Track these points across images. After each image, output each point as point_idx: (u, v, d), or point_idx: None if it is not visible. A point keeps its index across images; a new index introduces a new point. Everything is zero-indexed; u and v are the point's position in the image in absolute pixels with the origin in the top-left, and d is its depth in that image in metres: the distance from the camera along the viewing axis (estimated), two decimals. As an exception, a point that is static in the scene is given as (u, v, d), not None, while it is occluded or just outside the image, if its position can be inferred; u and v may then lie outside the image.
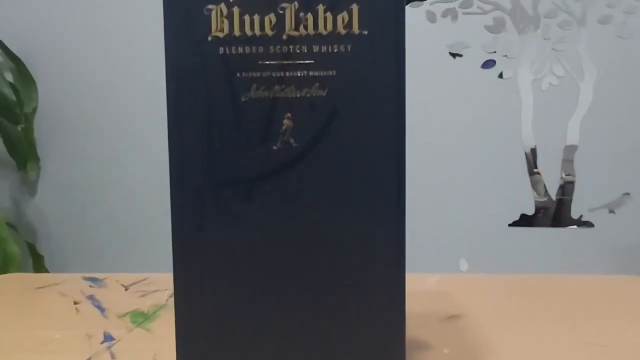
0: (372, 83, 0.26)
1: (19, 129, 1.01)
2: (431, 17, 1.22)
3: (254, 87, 0.26)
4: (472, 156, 1.19)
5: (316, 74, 0.26)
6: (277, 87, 0.26)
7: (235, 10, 0.26)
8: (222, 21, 0.26)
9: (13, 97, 0.94)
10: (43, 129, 1.19)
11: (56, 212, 1.21)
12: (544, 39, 1.23)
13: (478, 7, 1.23)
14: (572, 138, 1.21)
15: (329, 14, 0.26)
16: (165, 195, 0.28)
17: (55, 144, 1.20)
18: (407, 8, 1.02)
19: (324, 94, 0.26)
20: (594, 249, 1.20)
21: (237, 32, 0.26)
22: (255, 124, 0.27)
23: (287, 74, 0.26)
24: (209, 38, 0.26)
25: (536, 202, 1.25)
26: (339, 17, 0.26)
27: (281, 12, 0.26)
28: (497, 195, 1.19)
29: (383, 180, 0.27)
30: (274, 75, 0.26)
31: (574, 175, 1.21)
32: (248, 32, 0.26)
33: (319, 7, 0.26)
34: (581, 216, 1.25)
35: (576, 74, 1.23)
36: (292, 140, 0.27)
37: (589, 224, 1.23)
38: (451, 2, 1.23)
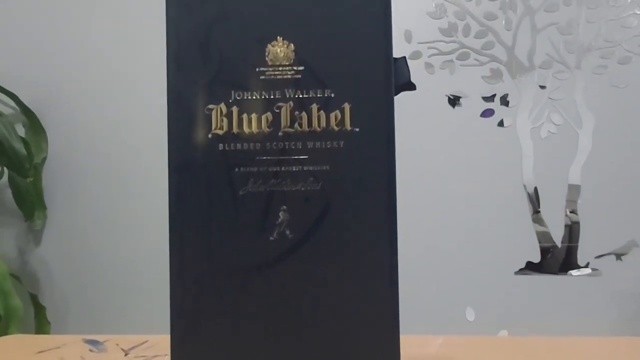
0: (365, 177, 0.27)
1: (28, 181, 1.03)
2: (430, 69, 1.26)
3: (251, 181, 0.28)
4: (475, 205, 1.19)
5: (311, 168, 0.27)
6: (273, 181, 0.27)
7: (234, 110, 0.28)
8: (222, 119, 0.28)
9: (24, 152, 0.97)
10: (50, 178, 1.22)
11: (60, 262, 1.22)
12: (541, 89, 1.26)
13: (475, 59, 1.27)
14: (574, 180, 1.22)
15: (322, 112, 0.27)
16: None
17: (62, 192, 1.22)
18: (407, 61, 1.04)
19: (318, 188, 0.27)
20: (601, 297, 1.18)
21: (235, 130, 0.28)
22: (253, 216, 0.28)
23: (282, 168, 0.27)
24: (209, 135, 0.28)
25: (541, 247, 1.24)
26: (332, 115, 0.27)
27: (277, 111, 0.28)
28: (501, 243, 1.18)
29: (376, 268, 0.28)
30: (270, 170, 0.27)
31: (577, 215, 1.20)
32: (246, 129, 0.28)
33: (312, 106, 0.27)
34: (588, 263, 1.24)
35: (574, 122, 1.25)
36: (287, 232, 0.27)
37: (596, 271, 1.22)
38: (449, 54, 1.28)
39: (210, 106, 0.28)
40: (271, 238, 0.28)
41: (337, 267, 0.28)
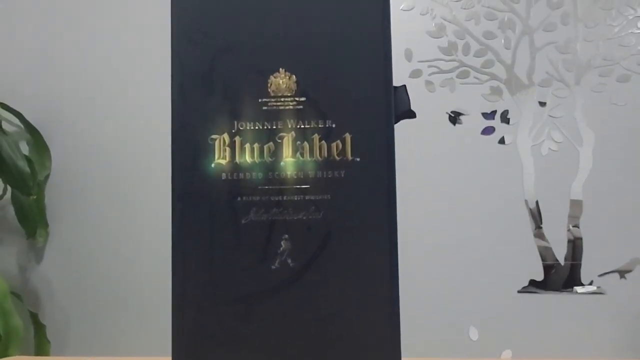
0: (365, 206, 0.28)
1: (31, 199, 1.04)
2: (430, 87, 1.27)
3: (253, 210, 0.28)
4: (477, 224, 1.19)
5: (312, 197, 0.28)
6: (275, 210, 0.28)
7: (237, 140, 0.28)
8: (225, 149, 0.28)
9: (28, 170, 0.98)
10: (53, 195, 1.22)
11: (61, 280, 1.21)
12: (541, 106, 1.27)
13: (475, 77, 1.28)
14: (576, 197, 1.22)
15: (323, 143, 0.28)
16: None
17: (64, 210, 1.23)
18: (408, 79, 1.07)
19: (320, 217, 0.28)
20: (606, 315, 1.17)
21: (238, 160, 0.28)
22: (255, 245, 0.28)
23: (284, 197, 0.28)
24: (212, 165, 0.28)
25: (544, 264, 1.23)
26: (333, 145, 0.28)
27: (279, 141, 0.28)
28: (504, 261, 1.18)
29: (377, 295, 0.28)
30: (272, 199, 0.28)
31: (579, 228, 1.20)
32: (248, 159, 0.28)
33: (314, 136, 0.28)
34: (592, 281, 1.23)
35: (574, 139, 1.25)
36: (289, 261, 0.28)
37: (599, 289, 1.21)
38: (449, 72, 1.29)
39: (214, 136, 0.28)
40: (273, 267, 0.28)
41: (339, 295, 0.28)
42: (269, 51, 0.28)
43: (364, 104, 0.28)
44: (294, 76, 0.28)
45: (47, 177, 1.23)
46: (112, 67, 1.24)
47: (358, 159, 0.28)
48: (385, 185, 0.28)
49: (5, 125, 1.21)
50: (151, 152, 1.19)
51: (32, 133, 1.20)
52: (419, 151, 1.20)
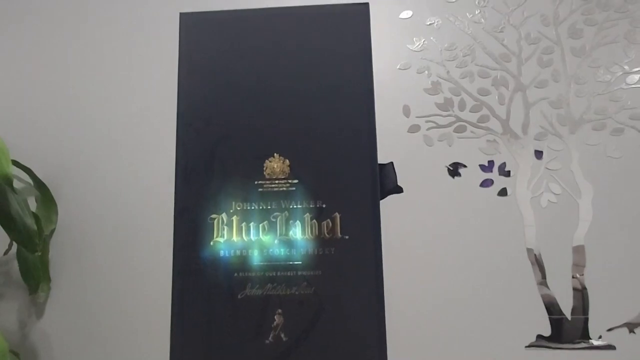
0: (354, 281, 0.29)
1: (36, 255, 1.05)
2: (428, 142, 1.31)
3: (249, 286, 0.29)
4: (480, 278, 1.18)
5: (304, 273, 0.29)
6: (269, 285, 0.29)
7: (235, 219, 0.30)
8: (223, 228, 0.30)
9: (35, 227, 1.00)
10: (56, 249, 1.23)
11: (62, 337, 1.20)
12: (537, 160, 1.29)
13: (471, 132, 1.32)
14: (579, 246, 1.22)
15: (314, 222, 0.30)
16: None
17: (68, 265, 1.23)
18: (407, 134, 1.10)
19: (311, 292, 0.29)
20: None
21: (235, 238, 0.30)
22: (250, 319, 0.29)
23: (278, 273, 0.29)
24: (211, 242, 0.30)
25: (550, 318, 1.21)
26: (324, 224, 0.30)
27: (274, 220, 0.30)
28: (510, 317, 1.16)
29: (369, 369, 0.29)
30: (267, 275, 0.29)
31: (584, 276, 1.18)
32: (245, 237, 0.30)
33: (306, 215, 0.30)
34: (600, 336, 1.20)
35: (573, 191, 1.27)
36: (282, 335, 0.29)
37: (609, 345, 1.18)
38: (446, 127, 1.33)
39: (213, 216, 0.30)
40: (267, 341, 0.29)
41: (330, 371, 0.29)
42: (264, 138, 0.31)
43: (351, 186, 0.30)
44: (287, 160, 0.30)
45: (53, 231, 1.24)
46: (119, 140, 1.29)
47: (347, 237, 0.29)
48: (372, 261, 0.29)
49: (15, 182, 1.24)
50: (157, 213, 1.21)
51: (41, 189, 1.23)
52: (418, 203, 1.22)
